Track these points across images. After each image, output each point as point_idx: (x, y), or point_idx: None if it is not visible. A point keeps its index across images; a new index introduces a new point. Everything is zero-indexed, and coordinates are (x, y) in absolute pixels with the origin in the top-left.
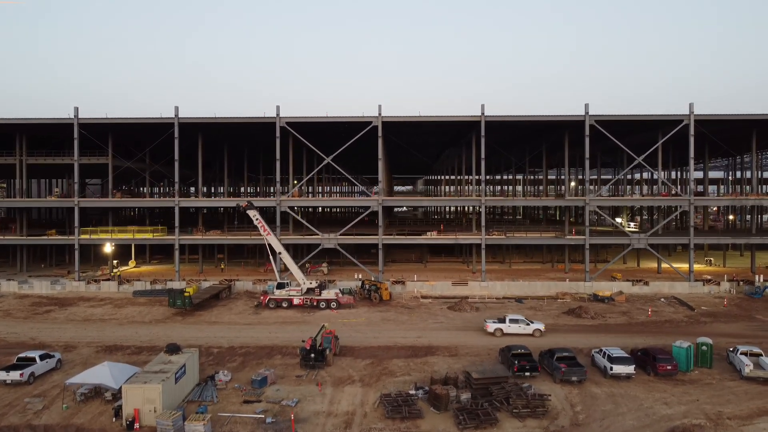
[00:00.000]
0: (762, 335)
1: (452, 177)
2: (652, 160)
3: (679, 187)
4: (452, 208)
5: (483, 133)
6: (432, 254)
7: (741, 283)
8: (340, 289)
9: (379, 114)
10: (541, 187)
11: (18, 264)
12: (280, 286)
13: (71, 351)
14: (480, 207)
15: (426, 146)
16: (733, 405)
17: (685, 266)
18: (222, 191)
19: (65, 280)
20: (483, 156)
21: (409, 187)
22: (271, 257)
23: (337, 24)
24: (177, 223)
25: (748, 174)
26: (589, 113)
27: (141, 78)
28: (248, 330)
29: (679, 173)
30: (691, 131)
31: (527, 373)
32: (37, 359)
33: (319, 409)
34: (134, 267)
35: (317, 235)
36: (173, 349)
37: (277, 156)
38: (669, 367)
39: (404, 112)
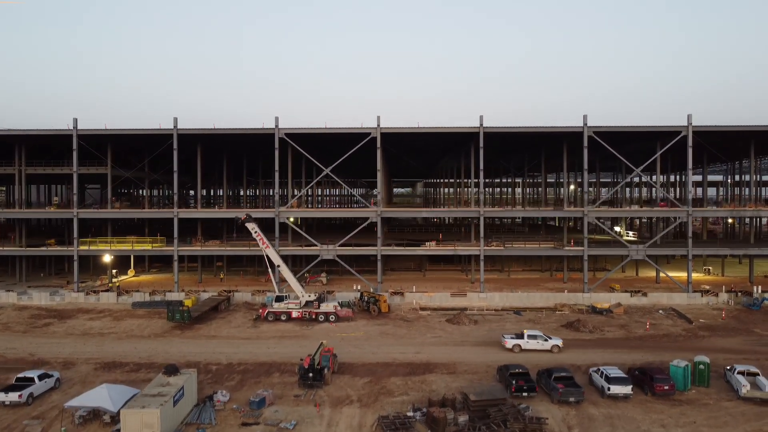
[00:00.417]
0: (760, 350)
1: (451, 180)
2: (651, 165)
3: (678, 189)
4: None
5: (482, 144)
6: (431, 262)
7: (739, 294)
8: (338, 302)
9: (378, 125)
10: (540, 189)
11: (17, 273)
12: (279, 298)
13: (70, 368)
14: (479, 218)
15: (425, 153)
16: (730, 427)
17: (683, 275)
18: (221, 193)
19: (64, 290)
20: (481, 167)
21: (409, 189)
22: (269, 269)
23: (336, 25)
24: (176, 235)
25: (747, 176)
26: (588, 124)
27: (141, 79)
28: (247, 345)
29: (678, 176)
30: (690, 143)
31: (525, 393)
32: (36, 379)
33: None
34: (133, 276)
35: (316, 246)
36: (171, 370)
37: (276, 167)
38: (666, 387)
39: (403, 119)
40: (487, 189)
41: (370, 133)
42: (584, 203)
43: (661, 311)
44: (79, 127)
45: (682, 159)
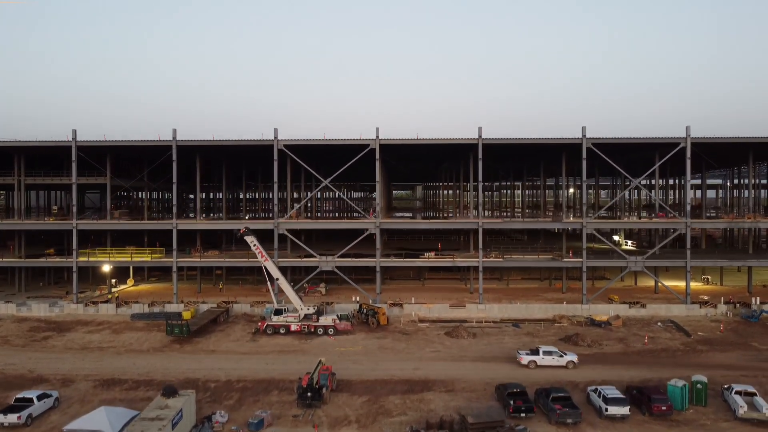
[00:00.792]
0: (758, 366)
1: (451, 183)
2: (650, 174)
3: (677, 192)
4: None
5: (480, 156)
6: (430, 271)
7: (738, 305)
8: (337, 315)
9: (377, 137)
10: (539, 191)
11: (16, 283)
12: (278, 312)
13: (69, 386)
14: (478, 229)
15: (424, 160)
16: None
17: (682, 284)
18: (220, 196)
19: (63, 302)
20: (480, 178)
21: (408, 192)
22: (268, 282)
23: (337, 24)
24: (175, 246)
25: (746, 180)
26: (587, 136)
27: (141, 78)
28: (246, 360)
29: (677, 180)
30: (688, 154)
31: (523, 414)
32: (35, 400)
33: None
34: (132, 285)
35: (315, 257)
36: (170, 392)
37: (275, 179)
38: (664, 408)
39: (403, 119)
40: (486, 193)
41: (368, 145)
42: (583, 215)
43: (659, 324)
44: (78, 138)
45: (681, 167)
